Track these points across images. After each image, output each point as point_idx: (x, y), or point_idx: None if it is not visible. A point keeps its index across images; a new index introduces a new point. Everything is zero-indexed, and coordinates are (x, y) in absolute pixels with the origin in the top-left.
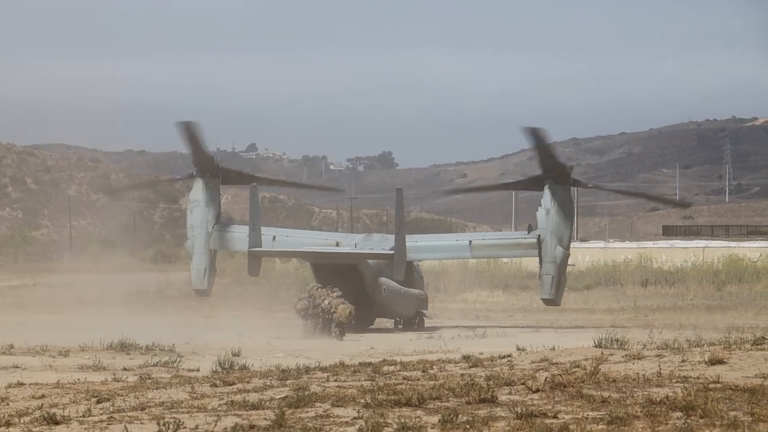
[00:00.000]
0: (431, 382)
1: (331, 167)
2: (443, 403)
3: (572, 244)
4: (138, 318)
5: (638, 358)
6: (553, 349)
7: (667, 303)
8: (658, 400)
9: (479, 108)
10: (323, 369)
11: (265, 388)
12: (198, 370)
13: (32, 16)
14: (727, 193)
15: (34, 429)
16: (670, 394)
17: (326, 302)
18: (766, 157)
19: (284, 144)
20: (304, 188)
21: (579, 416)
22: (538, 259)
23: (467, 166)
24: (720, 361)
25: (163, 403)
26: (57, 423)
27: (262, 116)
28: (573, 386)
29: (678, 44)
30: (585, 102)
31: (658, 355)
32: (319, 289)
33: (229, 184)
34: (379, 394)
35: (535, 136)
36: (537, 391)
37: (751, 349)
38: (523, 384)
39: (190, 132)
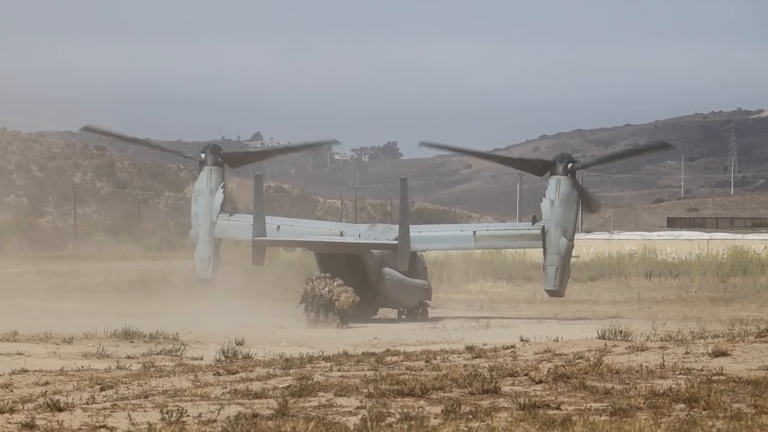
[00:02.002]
0: (434, 373)
1: (336, 157)
2: (446, 394)
3: (576, 236)
4: (142, 306)
5: (642, 350)
6: (557, 340)
7: (671, 295)
8: (661, 391)
9: (484, 98)
10: (326, 358)
11: (269, 377)
12: (201, 359)
13: (37, 3)
14: (732, 186)
15: (37, 416)
16: (673, 385)
17: (326, 290)
18: None
19: (289, 133)
20: (299, 150)
21: (582, 407)
22: (542, 250)
23: (472, 157)
24: (724, 353)
25: (166, 391)
26: (60, 410)
27: (267, 105)
28: (576, 377)
29: (684, 36)
30: (590, 93)
31: (661, 347)
32: (320, 279)
33: (236, 167)
34: (382, 384)
35: (441, 147)
36: (540, 382)
37: (754, 342)
38: (527, 375)
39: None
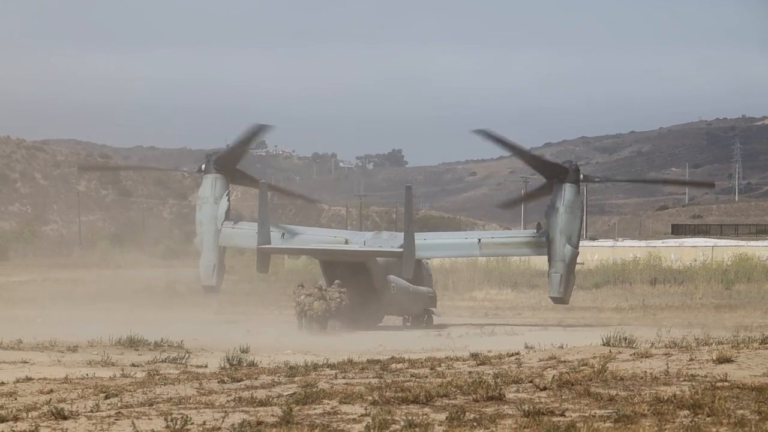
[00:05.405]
0: (439, 380)
1: (341, 164)
2: (451, 401)
3: (581, 243)
4: (146, 314)
5: (646, 357)
6: (561, 347)
7: (676, 302)
8: (665, 398)
9: (489, 106)
10: (331, 366)
11: (273, 385)
12: (206, 367)
13: (42, 12)
14: (736, 192)
15: (42, 424)
16: (677, 392)
17: (301, 298)
18: None
19: (294, 141)
20: (308, 201)
21: (586, 414)
22: (547, 257)
23: (477, 164)
24: (728, 360)
25: (170, 399)
26: (65, 418)
27: (272, 113)
28: (580, 384)
29: (688, 43)
30: (594, 100)
31: (666, 354)
32: (300, 287)
33: (237, 183)
34: (386, 392)
35: (491, 138)
36: (545, 389)
37: (759, 348)
38: (531, 382)
39: (256, 133)
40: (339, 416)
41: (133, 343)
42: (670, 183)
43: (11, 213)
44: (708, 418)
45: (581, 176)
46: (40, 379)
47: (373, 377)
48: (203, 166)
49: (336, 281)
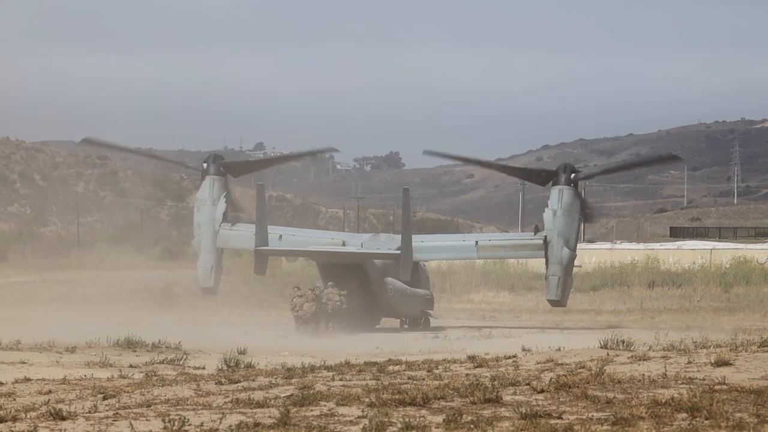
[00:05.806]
0: (436, 382)
1: (338, 167)
2: (448, 403)
3: (579, 245)
4: (144, 315)
5: (644, 360)
6: (559, 349)
7: (674, 304)
8: (663, 401)
9: (487, 108)
10: (328, 368)
11: (271, 387)
12: (204, 368)
13: (42, 12)
14: (735, 195)
15: (40, 424)
16: (675, 395)
17: (295, 299)
18: None
19: (291, 143)
20: (300, 158)
21: (583, 417)
22: (544, 260)
23: (475, 166)
24: (726, 363)
25: (168, 400)
26: (63, 419)
27: (270, 115)
28: (578, 387)
29: (688, 45)
30: (593, 103)
31: (663, 357)
32: (296, 289)
33: (238, 176)
34: (383, 394)
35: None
36: (542, 391)
37: (757, 351)
38: (528, 384)
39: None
40: (336, 418)
41: (131, 345)
42: (640, 164)
43: (10, 214)
44: (706, 421)
45: (573, 175)
46: (38, 379)
47: (370, 379)
48: (205, 165)
49: (330, 282)
